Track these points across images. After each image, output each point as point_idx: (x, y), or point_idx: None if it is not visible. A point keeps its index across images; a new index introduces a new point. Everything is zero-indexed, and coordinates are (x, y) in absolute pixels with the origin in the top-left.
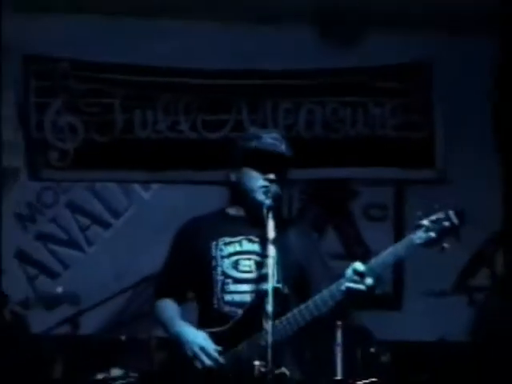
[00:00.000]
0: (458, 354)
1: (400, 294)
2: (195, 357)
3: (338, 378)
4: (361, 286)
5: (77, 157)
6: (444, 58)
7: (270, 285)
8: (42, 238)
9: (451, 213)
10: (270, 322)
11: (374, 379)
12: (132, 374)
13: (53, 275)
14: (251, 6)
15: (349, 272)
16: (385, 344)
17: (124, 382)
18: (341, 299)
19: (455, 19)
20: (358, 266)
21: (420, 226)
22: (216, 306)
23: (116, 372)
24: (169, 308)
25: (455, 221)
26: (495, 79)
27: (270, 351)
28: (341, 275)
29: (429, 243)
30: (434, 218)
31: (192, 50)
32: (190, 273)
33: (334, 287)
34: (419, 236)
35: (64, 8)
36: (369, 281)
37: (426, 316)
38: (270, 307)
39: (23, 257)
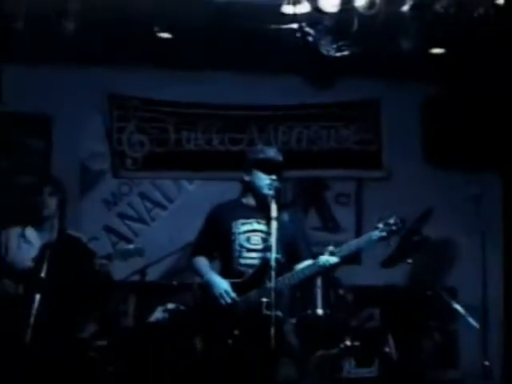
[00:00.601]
0: (400, 295)
1: (360, 253)
2: (220, 296)
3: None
4: (331, 263)
5: (144, 162)
6: (389, 96)
7: (273, 247)
8: (121, 216)
9: (398, 220)
10: (272, 273)
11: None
12: (181, 307)
13: (128, 241)
14: (257, 59)
15: (325, 253)
16: (349, 287)
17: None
18: (319, 269)
19: (397, 70)
20: (331, 248)
21: (377, 228)
22: (234, 266)
23: (170, 306)
24: (202, 263)
25: (400, 226)
26: (424, 111)
27: (272, 293)
28: (317, 243)
29: (381, 239)
30: (386, 222)
31: (221, 91)
32: (216, 241)
33: (316, 260)
34: (375, 234)
35: (136, 63)
36: (336, 260)
37: (377, 268)
38: (273, 262)
39: (108, 229)
